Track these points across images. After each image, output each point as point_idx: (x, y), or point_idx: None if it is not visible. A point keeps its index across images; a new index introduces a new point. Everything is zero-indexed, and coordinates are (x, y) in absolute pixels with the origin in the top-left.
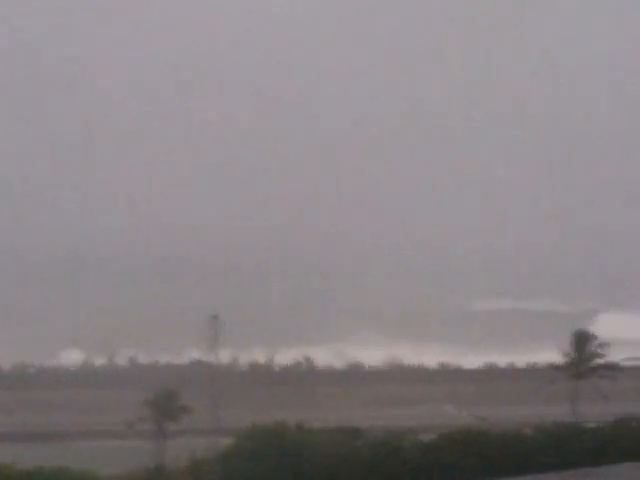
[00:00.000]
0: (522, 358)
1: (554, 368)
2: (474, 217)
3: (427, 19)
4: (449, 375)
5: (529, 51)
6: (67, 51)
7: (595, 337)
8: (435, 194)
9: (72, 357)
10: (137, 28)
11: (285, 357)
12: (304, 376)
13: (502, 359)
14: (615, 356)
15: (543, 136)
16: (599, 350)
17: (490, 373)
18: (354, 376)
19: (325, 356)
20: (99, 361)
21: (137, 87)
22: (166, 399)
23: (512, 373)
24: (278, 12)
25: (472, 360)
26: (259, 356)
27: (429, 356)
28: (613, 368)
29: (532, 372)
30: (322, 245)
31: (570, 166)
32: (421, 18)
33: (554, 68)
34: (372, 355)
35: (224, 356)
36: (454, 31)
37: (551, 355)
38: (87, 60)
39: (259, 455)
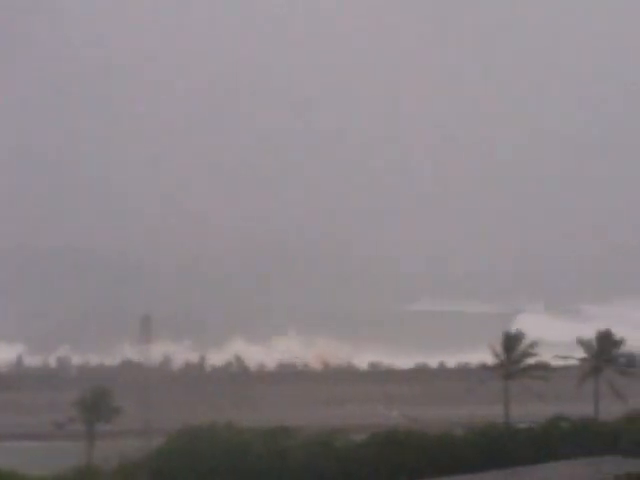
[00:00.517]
0: (453, 359)
1: (485, 368)
2: (407, 220)
3: (428, 23)
4: (380, 375)
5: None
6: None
7: (524, 336)
8: (374, 200)
9: (3, 357)
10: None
11: (217, 357)
12: (236, 376)
13: (433, 359)
14: (543, 356)
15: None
16: (529, 350)
17: (421, 373)
18: (286, 376)
19: (257, 356)
20: (31, 361)
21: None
22: (97, 400)
23: (443, 373)
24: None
25: (403, 360)
26: (191, 356)
27: (360, 356)
28: (544, 368)
29: (463, 372)
30: (256, 246)
31: (506, 170)
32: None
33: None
34: (304, 355)
35: (156, 356)
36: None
37: (483, 356)
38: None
39: (190, 455)
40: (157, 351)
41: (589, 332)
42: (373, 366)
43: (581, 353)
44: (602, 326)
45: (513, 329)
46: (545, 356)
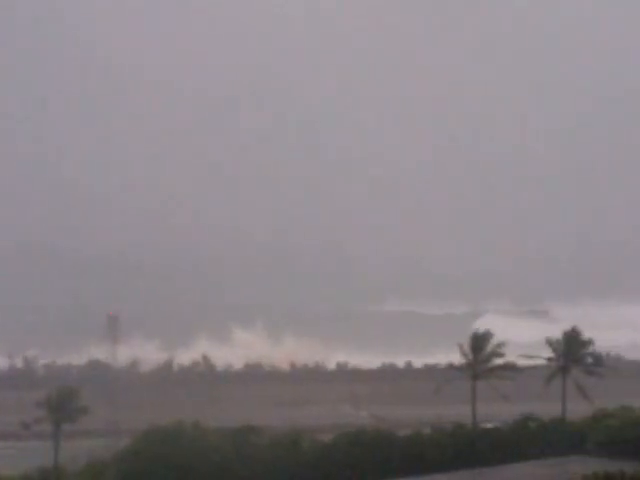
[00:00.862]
0: (420, 359)
1: (452, 368)
2: (376, 221)
3: (428, 23)
4: (348, 375)
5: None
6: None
7: (492, 337)
8: (344, 200)
9: None
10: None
11: (185, 357)
12: (203, 376)
13: (400, 359)
14: (511, 356)
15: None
16: (497, 350)
17: (388, 373)
18: (253, 376)
19: (224, 356)
20: None
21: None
22: (63, 400)
23: (410, 373)
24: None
25: (370, 360)
26: (159, 355)
27: (328, 356)
28: (512, 368)
29: (431, 372)
30: (226, 246)
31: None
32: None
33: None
34: (271, 355)
35: (123, 356)
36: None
37: (451, 355)
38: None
39: (157, 455)
40: (124, 351)
41: (557, 332)
42: (340, 366)
43: (549, 353)
44: (569, 327)
45: (481, 329)
46: (513, 356)
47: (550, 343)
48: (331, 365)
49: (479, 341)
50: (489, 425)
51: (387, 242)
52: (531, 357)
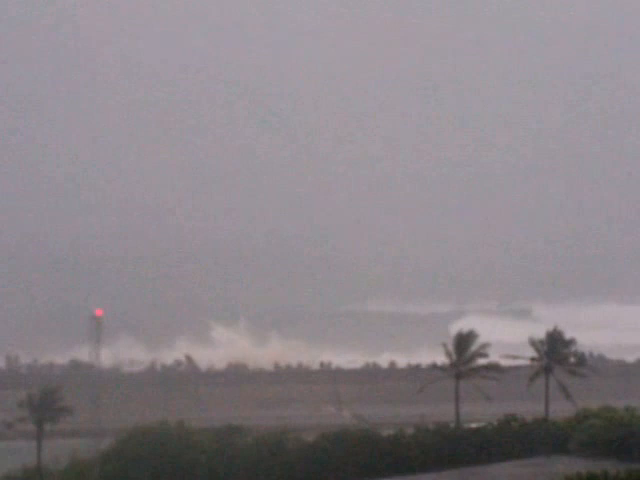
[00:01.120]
0: (404, 358)
1: (435, 368)
2: (359, 220)
3: (429, 23)
4: (331, 375)
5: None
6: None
7: (476, 337)
8: (329, 197)
9: None
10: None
11: (167, 356)
12: (186, 376)
13: (383, 359)
14: (494, 356)
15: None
16: (481, 350)
17: (372, 373)
18: (236, 376)
19: (207, 355)
20: None
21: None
22: (46, 399)
23: (394, 373)
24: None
25: (353, 360)
26: (141, 355)
27: (311, 356)
28: (495, 368)
29: (414, 372)
30: (210, 245)
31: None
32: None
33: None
34: (255, 355)
35: (106, 355)
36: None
37: (434, 355)
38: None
39: (140, 456)
40: (108, 351)
41: (541, 333)
42: (324, 366)
43: (532, 353)
44: (552, 326)
45: (465, 329)
46: (496, 356)
47: (533, 343)
48: (314, 365)
49: (463, 341)
50: (472, 425)
51: (379, 242)
52: (514, 357)
